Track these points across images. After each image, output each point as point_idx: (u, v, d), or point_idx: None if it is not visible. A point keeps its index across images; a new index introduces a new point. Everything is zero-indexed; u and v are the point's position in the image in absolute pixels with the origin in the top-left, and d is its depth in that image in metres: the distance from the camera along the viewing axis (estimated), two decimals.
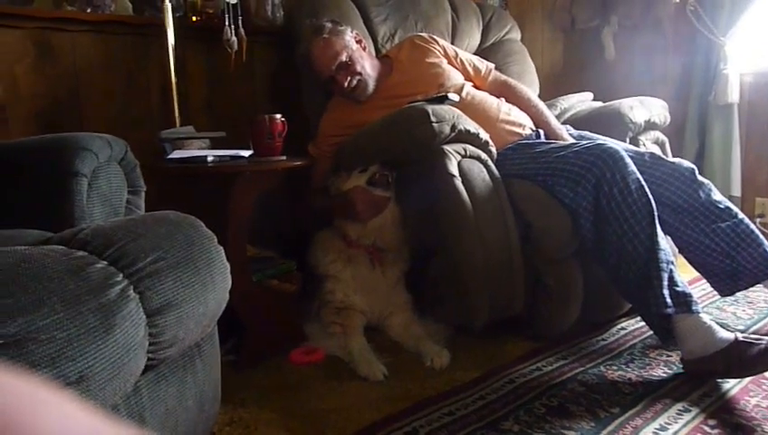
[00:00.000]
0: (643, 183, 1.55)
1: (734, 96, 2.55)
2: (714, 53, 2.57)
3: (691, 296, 1.48)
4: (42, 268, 0.72)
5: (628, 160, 1.57)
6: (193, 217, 1.00)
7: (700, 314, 1.46)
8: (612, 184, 1.54)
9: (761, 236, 1.70)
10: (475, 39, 2.60)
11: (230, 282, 0.99)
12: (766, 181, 2.68)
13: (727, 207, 1.71)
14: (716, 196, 1.73)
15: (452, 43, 2.30)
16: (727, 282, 1.70)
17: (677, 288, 1.48)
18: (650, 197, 1.54)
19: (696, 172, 1.76)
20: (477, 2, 2.78)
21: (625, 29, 2.90)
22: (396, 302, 1.83)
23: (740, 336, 1.40)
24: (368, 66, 1.98)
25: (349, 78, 1.94)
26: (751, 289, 1.76)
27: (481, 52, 2.54)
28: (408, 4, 2.43)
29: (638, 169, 1.59)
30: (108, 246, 0.82)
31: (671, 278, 1.49)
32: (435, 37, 2.13)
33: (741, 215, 1.71)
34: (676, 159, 1.83)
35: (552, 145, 1.79)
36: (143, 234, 0.87)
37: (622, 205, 1.52)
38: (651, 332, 1.60)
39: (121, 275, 0.78)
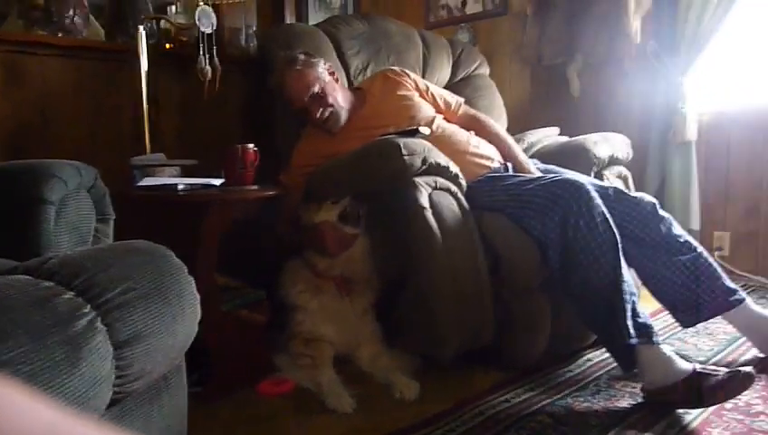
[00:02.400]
0: (608, 216, 1.60)
1: (691, 134, 2.65)
2: (672, 92, 2.68)
3: (652, 328, 1.52)
4: (6, 299, 0.71)
5: (594, 194, 1.62)
6: (163, 246, 0.99)
7: (661, 346, 1.49)
8: (578, 216, 1.58)
9: (719, 270, 1.76)
10: (445, 73, 2.66)
11: (200, 313, 0.98)
12: (723, 216, 2.77)
13: (687, 241, 1.78)
14: (677, 230, 1.79)
15: (423, 77, 2.35)
16: (688, 314, 1.76)
17: (639, 319, 1.52)
18: (615, 229, 1.58)
19: (658, 207, 1.82)
20: (447, 38, 2.85)
21: (589, 66, 3.00)
22: (365, 332, 1.82)
23: (699, 367, 1.44)
24: (340, 98, 2.01)
25: (321, 109, 1.96)
26: (711, 321, 1.81)
27: (451, 86, 2.60)
28: (380, 38, 2.48)
29: (603, 203, 1.63)
30: (76, 276, 0.81)
31: (634, 310, 1.53)
32: (406, 71, 2.18)
33: (700, 248, 1.78)
34: (639, 194, 1.89)
35: (520, 178, 1.84)
36: (112, 264, 0.86)
37: (588, 236, 1.57)
38: (616, 362, 1.63)
39: (89, 306, 0.77)
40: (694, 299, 1.73)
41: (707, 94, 2.76)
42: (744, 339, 1.87)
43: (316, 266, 1.82)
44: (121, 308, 0.80)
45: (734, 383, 1.39)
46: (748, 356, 1.82)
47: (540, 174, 1.94)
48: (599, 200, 1.61)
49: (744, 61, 2.72)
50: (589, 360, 1.84)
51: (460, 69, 2.71)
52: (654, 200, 1.83)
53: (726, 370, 1.43)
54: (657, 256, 1.76)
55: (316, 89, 1.95)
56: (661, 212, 1.81)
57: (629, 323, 1.51)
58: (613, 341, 1.54)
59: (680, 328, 1.88)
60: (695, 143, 2.69)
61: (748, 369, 1.41)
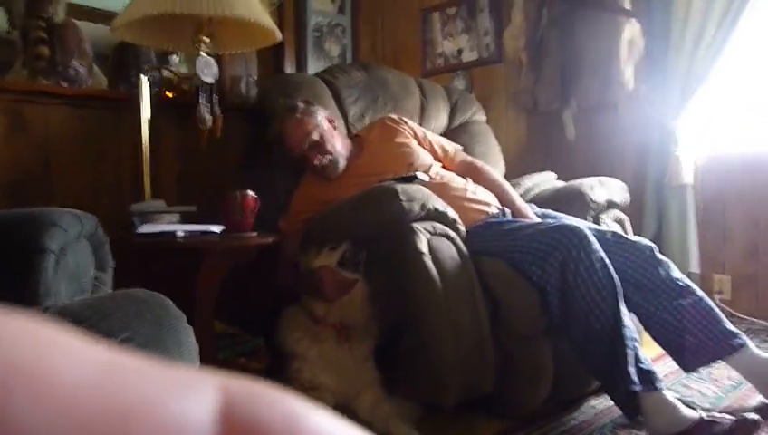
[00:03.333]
0: (607, 261, 1.60)
1: (687, 177, 2.68)
2: (666, 136, 2.72)
3: (655, 374, 1.50)
4: None
5: (593, 239, 1.63)
6: (161, 295, 0.99)
7: (665, 392, 1.47)
8: (578, 262, 1.58)
9: (720, 314, 1.75)
10: (442, 121, 2.70)
11: (198, 363, 0.97)
12: (723, 259, 2.78)
13: (687, 285, 1.77)
14: (676, 273, 1.79)
15: (421, 125, 2.38)
16: (690, 358, 1.74)
17: (642, 365, 1.50)
18: (614, 275, 1.58)
19: (656, 250, 1.82)
20: (444, 85, 2.90)
21: (584, 111, 3.06)
22: (364, 380, 1.79)
23: (704, 415, 1.42)
24: (338, 145, 2.03)
25: (320, 156, 1.98)
26: (716, 367, 1.79)
27: (448, 133, 2.64)
28: (377, 87, 2.53)
29: (602, 248, 1.64)
30: (76, 326, 0.80)
31: (636, 356, 1.51)
32: (404, 119, 2.21)
33: (700, 292, 1.77)
34: (637, 238, 1.90)
35: (519, 223, 1.84)
36: (112, 313, 0.86)
37: (588, 282, 1.56)
38: (620, 410, 1.60)
39: None
40: (695, 343, 1.71)
41: (702, 138, 2.80)
42: (748, 385, 1.84)
43: (314, 313, 1.80)
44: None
45: (741, 431, 1.37)
46: (754, 402, 1.80)
47: (538, 219, 1.95)
48: (597, 246, 1.62)
49: (738, 105, 2.77)
50: (593, 407, 1.80)
51: (457, 116, 2.75)
52: (652, 244, 1.84)
53: (732, 417, 1.40)
54: (658, 300, 1.75)
55: (315, 136, 1.98)
56: (659, 256, 1.81)
57: (632, 369, 1.49)
58: (616, 388, 1.52)
59: (683, 374, 1.86)
60: (691, 186, 2.71)
61: (754, 416, 1.39)
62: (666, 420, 1.43)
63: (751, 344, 1.74)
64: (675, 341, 1.74)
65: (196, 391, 0.18)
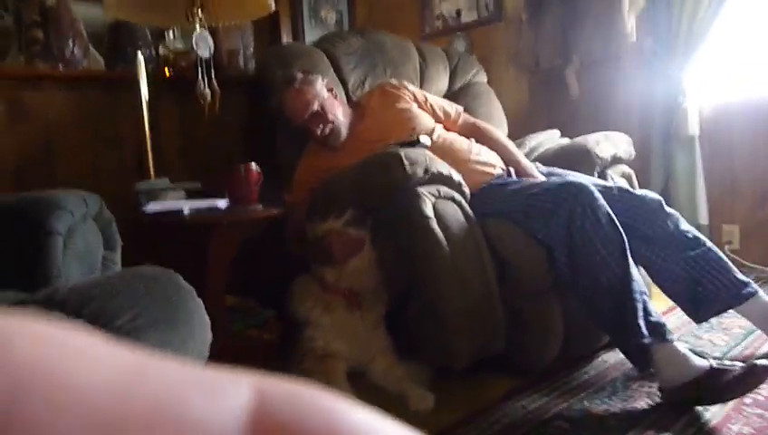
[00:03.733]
0: (613, 216, 1.59)
1: (693, 129, 2.65)
2: (671, 87, 2.68)
3: (665, 326, 1.51)
4: None
5: (598, 195, 1.62)
6: (171, 270, 1.00)
7: (675, 343, 1.48)
8: (584, 218, 1.58)
9: (729, 263, 1.75)
10: (442, 83, 2.67)
11: (210, 336, 0.98)
12: (731, 209, 2.76)
13: (695, 236, 1.76)
14: (684, 226, 1.78)
15: (421, 88, 2.36)
16: (701, 309, 1.74)
17: (652, 318, 1.51)
18: (620, 229, 1.58)
19: (663, 203, 1.81)
20: (443, 47, 2.86)
21: (587, 67, 3.01)
22: (377, 346, 1.81)
23: (714, 363, 1.43)
24: (339, 113, 2.02)
25: (321, 126, 1.98)
26: (726, 316, 1.79)
27: (449, 95, 2.61)
28: (376, 53, 2.50)
29: (608, 203, 1.63)
30: (85, 305, 0.81)
31: (645, 309, 1.52)
32: (404, 83, 2.19)
33: (709, 243, 1.76)
34: (643, 191, 1.88)
35: (524, 183, 1.84)
36: (121, 291, 0.87)
37: (594, 238, 1.56)
38: (630, 363, 1.62)
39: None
40: (705, 294, 1.71)
41: (707, 88, 2.75)
42: (759, 332, 1.85)
43: (324, 280, 1.81)
44: (131, 335, 0.81)
45: (751, 377, 1.37)
46: (765, 349, 1.81)
47: (543, 178, 1.94)
48: (603, 201, 1.61)
49: (743, 53, 2.72)
50: (604, 361, 1.82)
51: (457, 78, 2.72)
52: (659, 197, 1.83)
53: (742, 364, 1.41)
54: (666, 252, 1.74)
55: (315, 106, 1.97)
56: (667, 208, 1.80)
57: (641, 322, 1.50)
58: (626, 341, 1.53)
59: (694, 325, 1.87)
60: (698, 138, 2.68)
61: (765, 362, 1.40)
62: (676, 370, 1.45)
63: (761, 292, 1.74)
64: (685, 292, 1.74)
65: (227, 392, 0.17)
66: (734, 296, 1.71)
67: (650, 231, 1.76)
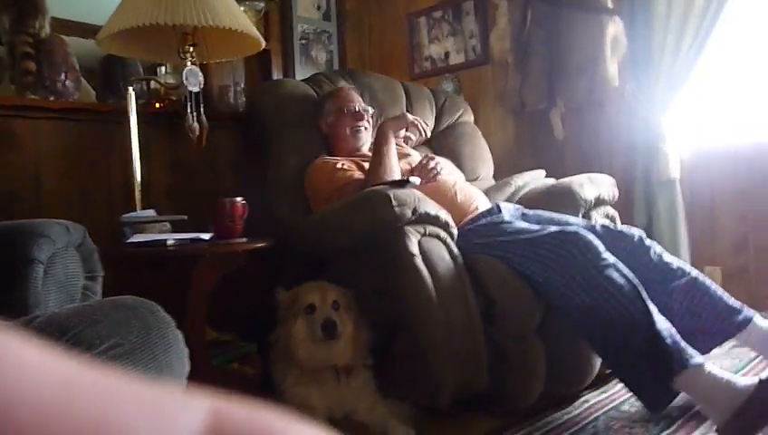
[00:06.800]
0: (617, 263, 1.59)
1: (674, 172, 2.70)
2: (652, 131, 2.74)
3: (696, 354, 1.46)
4: None
5: (597, 242, 1.62)
6: (151, 301, 1.00)
7: (711, 368, 1.43)
8: (585, 272, 1.57)
9: (719, 290, 1.71)
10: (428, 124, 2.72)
11: (188, 367, 0.98)
12: (712, 251, 2.80)
13: (679, 266, 1.75)
14: (667, 257, 1.77)
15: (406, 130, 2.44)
16: (696, 342, 1.63)
17: (683, 344, 1.47)
18: (627, 273, 1.57)
19: (644, 236, 1.82)
20: (431, 87, 2.92)
21: (571, 110, 3.08)
22: (361, 391, 1.76)
23: (762, 376, 1.37)
24: (370, 126, 2.26)
25: (360, 122, 2.22)
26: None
27: (436, 135, 2.66)
28: (365, 93, 2.54)
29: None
30: (63, 334, 0.81)
31: (672, 337, 1.49)
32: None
33: (695, 272, 1.74)
34: (624, 226, 1.90)
35: (517, 226, 1.82)
36: (99, 320, 0.86)
37: (603, 281, 1.55)
38: (612, 405, 1.61)
39: None
40: (700, 325, 1.67)
41: (687, 133, 2.82)
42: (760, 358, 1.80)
43: (298, 360, 1.68)
44: (108, 364, 0.80)
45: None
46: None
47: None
48: (612, 258, 1.60)
49: (722, 99, 2.80)
50: (586, 401, 1.82)
51: (444, 118, 2.77)
52: (640, 231, 1.84)
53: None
54: (653, 285, 1.69)
55: (364, 106, 2.25)
56: (648, 241, 1.81)
57: (680, 348, 1.46)
58: (647, 376, 1.48)
59: None
60: (678, 180, 2.73)
61: None
62: (725, 397, 1.38)
63: (758, 317, 1.69)
64: (679, 325, 1.65)
65: (179, 412, 0.17)
66: (729, 325, 1.65)
67: (634, 264, 1.72)
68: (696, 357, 1.45)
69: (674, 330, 1.51)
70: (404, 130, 2.13)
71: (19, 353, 0.15)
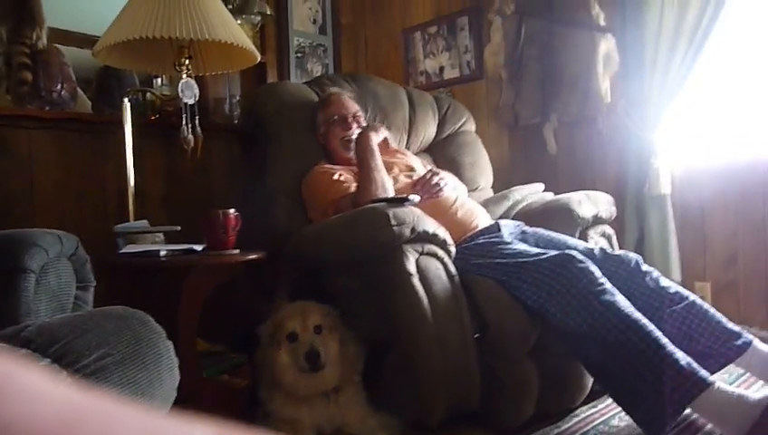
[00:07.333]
0: (615, 292, 1.59)
1: (665, 188, 2.73)
2: (644, 147, 2.77)
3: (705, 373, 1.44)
4: None
5: (597, 273, 1.62)
6: (142, 312, 1.00)
7: (720, 384, 1.42)
8: (585, 300, 1.56)
9: (717, 314, 1.72)
10: (430, 131, 2.73)
11: (178, 378, 0.98)
12: (702, 267, 2.82)
13: (677, 291, 1.76)
14: (664, 282, 1.78)
15: (409, 136, 2.45)
16: (699, 364, 1.59)
17: (694, 365, 1.45)
18: (622, 303, 1.56)
19: (641, 262, 1.83)
20: (433, 95, 2.94)
21: (564, 125, 3.11)
22: (352, 405, 1.76)
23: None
24: None
25: (355, 128, 2.20)
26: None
27: (437, 143, 2.67)
28: (368, 99, 2.54)
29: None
30: (52, 343, 0.81)
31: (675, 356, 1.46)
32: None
33: (693, 296, 1.75)
34: (622, 251, 1.91)
35: (515, 249, 1.82)
36: (89, 329, 0.87)
37: (607, 314, 1.53)
38: (602, 419, 1.61)
39: (65, 372, 0.78)
40: (699, 349, 1.66)
41: (679, 149, 2.85)
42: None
43: (284, 386, 1.67)
44: (97, 374, 0.81)
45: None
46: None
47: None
48: (608, 284, 1.60)
49: (712, 115, 2.83)
50: (576, 416, 1.82)
51: (446, 126, 2.78)
52: (637, 256, 1.84)
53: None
54: (651, 311, 1.69)
55: (360, 112, 2.25)
56: (645, 267, 1.81)
57: (692, 366, 1.44)
58: (648, 401, 1.44)
59: None
60: (669, 196, 2.76)
61: None
62: (738, 413, 1.37)
63: (757, 341, 1.69)
64: (679, 349, 1.64)
65: None
66: (729, 350, 1.66)
67: (632, 290, 1.73)
68: (709, 376, 1.43)
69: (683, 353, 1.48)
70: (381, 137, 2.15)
71: (16, 380, 0.15)
